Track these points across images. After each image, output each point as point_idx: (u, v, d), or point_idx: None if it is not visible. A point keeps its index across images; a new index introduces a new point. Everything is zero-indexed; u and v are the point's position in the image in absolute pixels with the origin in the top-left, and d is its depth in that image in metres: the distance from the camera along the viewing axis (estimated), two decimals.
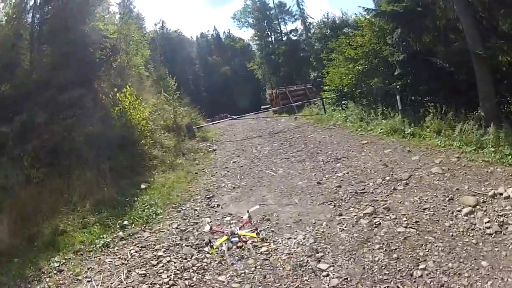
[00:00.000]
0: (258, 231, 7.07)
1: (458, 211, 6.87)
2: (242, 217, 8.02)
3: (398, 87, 14.91)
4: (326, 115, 20.46)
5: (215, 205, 9.12)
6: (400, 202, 7.69)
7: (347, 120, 17.29)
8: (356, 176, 9.69)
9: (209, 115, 34.94)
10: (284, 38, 51.12)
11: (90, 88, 13.84)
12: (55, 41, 13.93)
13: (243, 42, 67.63)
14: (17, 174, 10.03)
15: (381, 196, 8.16)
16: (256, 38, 53.20)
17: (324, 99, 22.85)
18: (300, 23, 51.13)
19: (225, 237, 6.93)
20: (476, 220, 6.47)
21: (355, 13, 36.97)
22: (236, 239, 6.82)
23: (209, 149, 16.20)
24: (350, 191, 8.76)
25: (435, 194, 7.72)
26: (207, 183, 11.13)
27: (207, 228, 7.69)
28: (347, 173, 10.02)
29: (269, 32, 51.79)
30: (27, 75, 13.53)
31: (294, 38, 51.35)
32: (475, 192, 7.44)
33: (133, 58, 18.41)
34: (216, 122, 23.91)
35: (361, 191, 8.63)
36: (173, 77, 19.36)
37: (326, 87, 23.23)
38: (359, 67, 17.56)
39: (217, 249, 6.84)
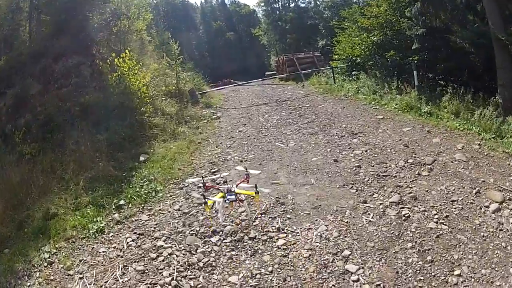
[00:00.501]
0: (257, 189, 6.27)
1: (486, 207, 6.37)
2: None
3: (416, 61, 14.15)
4: (336, 85, 19.56)
5: (222, 182, 7.95)
6: (427, 191, 7.08)
7: (359, 91, 16.47)
8: (375, 155, 8.99)
9: (212, 81, 34.58)
10: (292, 5, 49.57)
11: (87, 55, 13.27)
12: (53, 8, 13.34)
13: (248, 8, 66.93)
14: (9, 153, 9.57)
15: (406, 182, 7.53)
16: (263, 4, 51.88)
17: (334, 69, 21.88)
18: None
19: (220, 194, 6.37)
20: (503, 219, 6.00)
21: None
22: (233, 197, 6.22)
23: (213, 116, 15.50)
24: (371, 173, 8.08)
25: (461, 184, 7.14)
26: (212, 155, 10.47)
27: (200, 185, 7.51)
28: (366, 151, 9.32)
29: None
30: (24, 47, 13.02)
31: (303, 5, 50.07)
32: (501, 187, 6.90)
33: (134, 23, 17.48)
34: (220, 88, 22.94)
35: (384, 174, 7.97)
36: (176, 42, 18.31)
37: (336, 56, 22.51)
38: (374, 38, 16.69)
39: (211, 207, 6.58)
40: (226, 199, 6.18)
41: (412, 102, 12.69)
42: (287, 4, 50.22)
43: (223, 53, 62.39)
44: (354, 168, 8.37)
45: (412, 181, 7.53)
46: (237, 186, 6.53)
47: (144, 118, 12.30)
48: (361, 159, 8.88)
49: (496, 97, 11.00)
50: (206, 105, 17.43)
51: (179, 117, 13.95)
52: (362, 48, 17.98)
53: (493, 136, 9.26)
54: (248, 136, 11.88)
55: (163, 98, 14.96)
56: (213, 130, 13.34)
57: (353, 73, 19.43)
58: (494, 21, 11.15)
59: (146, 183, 8.40)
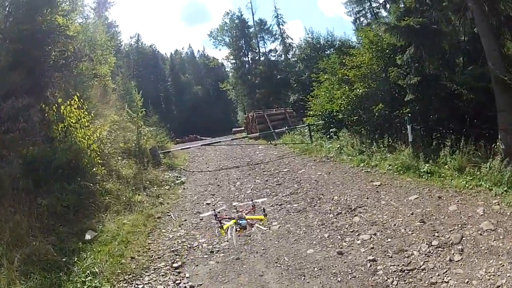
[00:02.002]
0: (265, 213, 6.97)
1: None
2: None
3: (409, 114, 12.57)
4: (313, 144, 17.67)
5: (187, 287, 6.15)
6: (467, 282, 5.48)
7: (342, 152, 14.62)
8: (389, 240, 6.96)
9: (178, 135, 34.13)
10: (262, 58, 48.81)
11: (40, 97, 11.13)
12: (13, 34, 11.35)
13: (217, 61, 67.26)
14: None
15: (439, 275, 5.72)
16: (232, 57, 51.14)
17: (310, 126, 19.96)
18: (279, 43, 49.17)
19: (233, 221, 6.74)
20: None
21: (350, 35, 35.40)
22: (244, 221, 6.62)
23: (177, 181, 13.43)
24: (392, 268, 6.01)
25: (500, 262, 5.78)
26: (174, 239, 8.19)
27: (209, 213, 7.81)
28: (375, 234, 7.25)
29: (246, 51, 49.62)
30: None
31: (273, 58, 49.46)
32: None
33: (97, 66, 16.00)
34: (186, 147, 20.67)
35: (408, 268, 5.96)
36: (142, 92, 16.45)
37: (311, 112, 20.85)
38: (359, 90, 14.99)
39: (226, 231, 6.75)
40: (239, 224, 6.52)
41: (408, 161, 11.18)
42: (256, 58, 49.31)
43: (190, 107, 63.49)
44: (369, 264, 6.22)
45: (446, 271, 5.79)
46: (246, 214, 6.90)
47: (96, 181, 10.18)
48: (372, 247, 6.76)
49: (498, 144, 10.17)
50: (169, 167, 15.36)
51: (137, 181, 11.87)
52: (344, 102, 16.25)
53: (505, 189, 8.28)
54: (219, 213, 9.61)
55: (120, 157, 12.91)
56: (176, 201, 11.19)
57: (331, 130, 17.76)
58: (495, 62, 10.59)
59: (90, 278, 6.31)
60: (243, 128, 34.13)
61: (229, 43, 50.99)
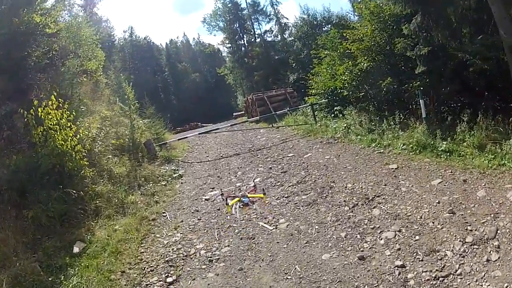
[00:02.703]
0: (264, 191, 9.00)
1: None
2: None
3: (421, 88, 11.52)
4: (318, 125, 16.59)
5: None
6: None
7: (350, 131, 13.55)
8: (417, 238, 5.88)
9: (179, 124, 34.92)
10: (258, 40, 47.55)
11: (24, 101, 9.96)
12: None
13: (213, 47, 67.04)
14: None
15: (476, 280, 4.76)
16: (227, 41, 49.81)
17: (313, 106, 18.80)
18: (274, 24, 47.82)
19: (237, 199, 8.72)
20: None
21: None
22: (247, 199, 8.64)
23: (174, 175, 12.44)
24: (425, 276, 4.96)
25: None
26: (169, 245, 7.16)
27: (217, 192, 9.56)
28: (399, 231, 6.18)
29: (241, 34, 48.37)
30: None
31: (269, 39, 48.10)
32: None
33: (85, 62, 14.99)
34: (182, 137, 19.44)
35: (443, 274, 4.93)
36: (139, 85, 15.56)
37: (313, 91, 19.85)
38: (364, 64, 13.83)
39: (231, 207, 8.24)
40: (242, 201, 8.52)
41: (423, 139, 10.17)
42: (252, 40, 48.02)
43: (189, 95, 63.28)
44: (397, 271, 5.14)
45: (484, 275, 4.82)
46: (248, 193, 8.99)
47: (84, 186, 9.09)
48: (399, 248, 5.68)
49: None
50: (166, 160, 14.38)
51: (131, 180, 10.91)
52: (347, 78, 15.16)
53: None
54: (218, 209, 8.67)
55: (112, 155, 11.83)
56: (173, 198, 10.19)
57: (336, 108, 16.70)
58: (507, 30, 9.86)
59: None
60: (243, 112, 33.24)
61: (223, 27, 49.56)
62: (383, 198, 7.51)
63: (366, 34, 13.80)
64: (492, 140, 8.96)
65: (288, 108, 22.69)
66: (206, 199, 9.57)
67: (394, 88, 12.86)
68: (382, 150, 10.78)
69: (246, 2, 48.29)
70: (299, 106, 22.25)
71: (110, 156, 11.58)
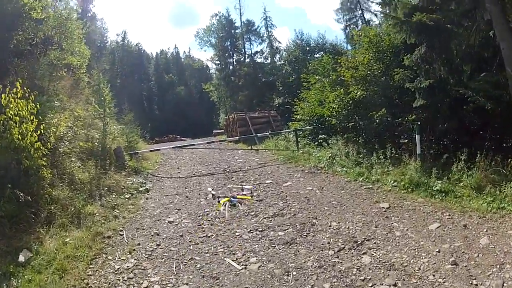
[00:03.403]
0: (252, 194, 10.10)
1: None
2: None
3: (419, 123, 10.62)
4: (300, 152, 15.46)
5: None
6: None
7: (334, 162, 12.52)
8: None
9: (158, 135, 35.00)
10: (247, 60, 46.99)
11: None
12: None
13: (201, 62, 68.72)
14: None
15: None
16: (217, 58, 49.46)
17: (297, 132, 17.54)
18: (266, 46, 47.64)
19: (227, 198, 9.72)
20: None
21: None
22: (235, 199, 9.61)
23: (140, 189, 11.31)
24: None
25: None
26: (120, 272, 6.10)
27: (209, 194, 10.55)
28: (395, 285, 5.14)
29: (231, 52, 48.11)
30: None
31: (259, 60, 47.80)
32: None
33: (68, 56, 14.10)
34: (155, 149, 18.09)
35: None
36: (125, 90, 14.65)
37: (298, 116, 18.78)
38: (357, 93, 12.96)
39: (222, 205, 9.21)
40: (231, 201, 9.52)
41: (416, 177, 9.38)
42: (242, 59, 47.62)
43: (172, 107, 63.03)
44: None
45: None
46: (237, 195, 10.03)
47: (40, 188, 8.13)
48: None
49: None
50: (135, 171, 13.29)
51: (93, 188, 9.89)
52: (337, 106, 14.21)
53: None
54: (181, 236, 7.50)
55: (76, 158, 10.80)
56: (134, 214, 9.03)
57: (320, 137, 15.69)
58: None
59: None
60: (223, 130, 32.25)
61: (214, 44, 49.84)
62: (374, 243, 6.41)
63: (362, 62, 13.06)
64: (490, 181, 8.36)
65: (269, 131, 21.63)
66: (169, 221, 8.41)
67: (388, 121, 12.00)
68: (370, 186, 9.78)
69: (241, 21, 48.61)
70: (282, 131, 21.21)
71: (74, 159, 10.55)
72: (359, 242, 6.44)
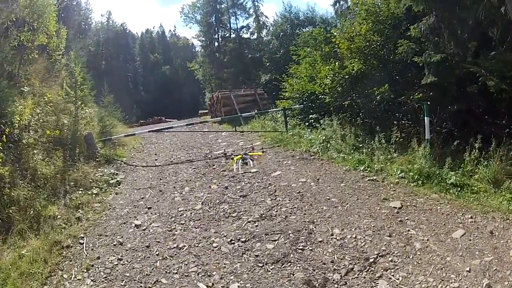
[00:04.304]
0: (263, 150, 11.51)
1: None
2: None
3: (429, 102, 9.16)
4: (290, 134, 13.82)
5: None
6: None
7: (329, 146, 11.02)
8: None
9: (144, 117, 35.70)
10: (233, 36, 45.48)
11: None
12: None
13: (186, 40, 67.20)
14: None
15: None
16: (202, 35, 47.75)
17: (285, 111, 15.94)
18: (253, 21, 45.89)
19: (240, 155, 10.94)
20: None
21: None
22: (248, 157, 10.79)
23: (111, 181, 9.86)
24: None
25: None
26: None
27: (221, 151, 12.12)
28: None
29: (216, 28, 46.70)
30: None
31: (245, 36, 46.42)
32: None
33: (37, 37, 12.63)
34: (130, 133, 16.40)
35: None
36: (110, 72, 13.43)
37: (287, 94, 17.27)
38: (354, 67, 11.47)
39: (236, 162, 10.34)
40: (244, 158, 10.71)
41: (426, 167, 8.01)
42: (227, 36, 46.02)
43: (158, 87, 61.68)
44: None
45: None
46: (249, 152, 11.41)
47: None
48: None
49: None
50: (107, 160, 11.81)
51: (58, 183, 8.57)
52: (330, 82, 12.72)
53: None
54: (148, 246, 6.05)
55: (41, 149, 9.42)
56: (99, 215, 7.61)
57: (311, 116, 14.31)
58: None
59: None
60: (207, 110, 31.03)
61: (200, 20, 47.77)
62: (391, 260, 5.01)
63: (360, 32, 11.66)
64: (508, 174, 7.28)
65: (255, 111, 20.10)
66: (136, 225, 6.96)
67: (391, 99, 10.57)
68: (374, 177, 8.33)
69: None
70: (269, 110, 19.59)
71: (36, 151, 9.14)
72: (371, 260, 5.01)
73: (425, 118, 9.00)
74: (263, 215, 6.81)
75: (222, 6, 46.77)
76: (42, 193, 7.78)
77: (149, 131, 16.87)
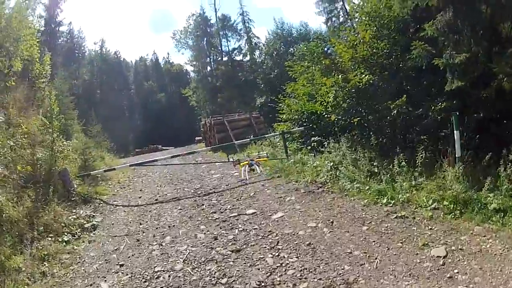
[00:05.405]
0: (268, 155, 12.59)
1: None
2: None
3: (457, 113, 7.74)
4: (291, 161, 12.13)
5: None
6: None
7: (339, 173, 9.37)
8: None
9: (141, 145, 36.12)
10: (225, 58, 45.37)
11: None
12: None
13: (179, 66, 67.44)
14: None
15: None
16: (194, 59, 47.74)
17: (284, 135, 14.23)
18: (244, 42, 45.67)
19: (246, 162, 12.33)
20: None
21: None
22: (254, 162, 12.26)
23: (86, 225, 8.64)
24: None
25: None
26: None
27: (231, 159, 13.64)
28: None
29: (208, 52, 46.50)
30: None
31: (238, 58, 46.22)
32: None
33: (15, 63, 12.08)
34: (110, 168, 14.71)
35: None
36: (105, 100, 12.24)
37: (285, 116, 15.72)
38: (364, 77, 9.89)
39: (243, 167, 11.81)
40: (250, 163, 12.14)
41: (461, 193, 6.60)
42: (219, 59, 45.93)
43: (154, 115, 61.67)
44: None
45: None
46: (255, 159, 12.86)
47: None
48: None
49: None
50: (84, 198, 10.69)
51: (26, 227, 7.55)
52: (332, 99, 11.13)
53: None
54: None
55: (10, 188, 8.26)
56: (66, 271, 6.41)
57: (313, 139, 12.77)
58: None
59: None
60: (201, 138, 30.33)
61: (191, 45, 48.04)
62: None
63: (363, 39, 10.15)
64: None
65: (251, 136, 18.57)
66: None
67: (409, 112, 9.00)
68: (402, 212, 6.71)
69: (216, 17, 46.84)
70: (266, 135, 17.90)
71: (1, 191, 7.93)
72: None
73: (455, 131, 7.53)
74: (263, 284, 4.97)
75: (213, 29, 46.74)
76: (7, 239, 6.85)
77: (130, 165, 15.25)
